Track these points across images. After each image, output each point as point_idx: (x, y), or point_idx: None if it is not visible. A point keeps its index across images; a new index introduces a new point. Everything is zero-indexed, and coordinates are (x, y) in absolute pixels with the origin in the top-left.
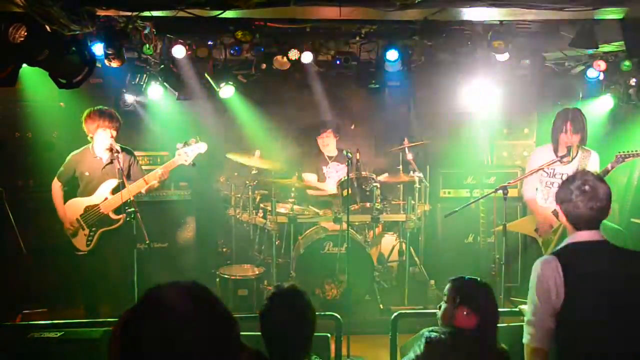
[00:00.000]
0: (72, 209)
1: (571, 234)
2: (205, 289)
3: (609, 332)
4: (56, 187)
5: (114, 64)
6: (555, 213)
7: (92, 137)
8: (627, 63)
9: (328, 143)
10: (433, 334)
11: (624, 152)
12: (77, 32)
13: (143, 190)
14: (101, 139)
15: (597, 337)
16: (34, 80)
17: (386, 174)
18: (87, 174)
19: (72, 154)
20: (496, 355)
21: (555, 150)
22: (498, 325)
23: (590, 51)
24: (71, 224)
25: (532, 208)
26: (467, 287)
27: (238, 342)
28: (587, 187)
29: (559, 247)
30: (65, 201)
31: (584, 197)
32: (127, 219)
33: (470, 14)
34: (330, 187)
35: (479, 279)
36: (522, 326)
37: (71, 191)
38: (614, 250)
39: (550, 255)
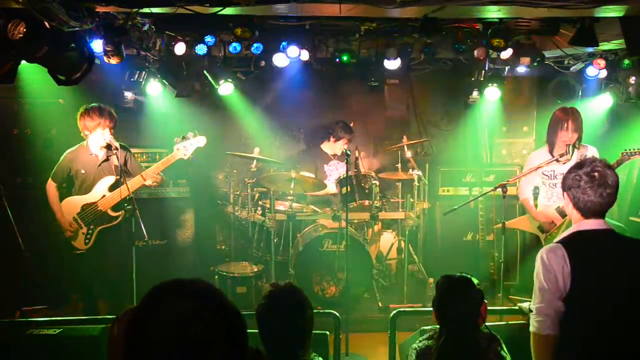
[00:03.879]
0: (68, 208)
1: (576, 223)
2: (210, 285)
3: (614, 321)
4: (51, 188)
5: (113, 60)
6: (558, 210)
7: (87, 135)
8: (627, 61)
9: (341, 147)
10: (420, 344)
11: (629, 149)
12: (76, 29)
13: (148, 184)
14: (99, 137)
15: (602, 326)
16: (32, 76)
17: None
18: (83, 171)
19: (67, 152)
20: (483, 338)
21: (551, 151)
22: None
23: (590, 49)
24: (69, 224)
25: (528, 209)
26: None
27: (245, 337)
28: (596, 174)
29: (564, 236)
30: (61, 200)
31: (593, 184)
32: (126, 216)
33: (470, 11)
34: (330, 185)
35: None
36: (521, 324)
37: (67, 190)
38: (620, 239)
39: (555, 244)
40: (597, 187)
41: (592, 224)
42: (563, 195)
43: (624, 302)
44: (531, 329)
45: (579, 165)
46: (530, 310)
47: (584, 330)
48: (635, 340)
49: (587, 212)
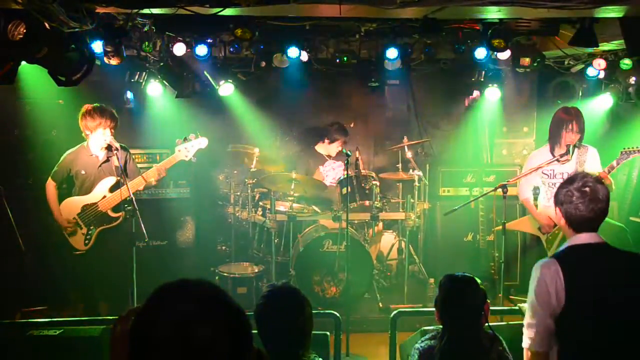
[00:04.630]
0: (68, 208)
1: (570, 237)
2: (216, 285)
3: (609, 335)
4: (50, 187)
5: (113, 61)
6: None
7: (88, 135)
8: (626, 61)
9: (335, 149)
10: (422, 344)
11: (628, 148)
12: (77, 30)
13: (140, 188)
14: (99, 137)
15: (597, 340)
16: (32, 77)
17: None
18: (83, 172)
19: (67, 152)
20: (486, 338)
21: (552, 150)
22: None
23: (590, 50)
24: (68, 224)
25: (529, 209)
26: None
27: (251, 338)
28: (587, 189)
29: (559, 250)
30: (60, 201)
31: (584, 199)
32: (127, 216)
33: (470, 12)
34: (327, 180)
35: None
36: (520, 324)
37: (67, 190)
38: (614, 252)
39: (550, 259)
40: (589, 203)
41: (585, 238)
42: (555, 209)
43: (618, 315)
44: (524, 344)
45: (570, 181)
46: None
47: (580, 343)
48: (632, 352)
49: (579, 226)
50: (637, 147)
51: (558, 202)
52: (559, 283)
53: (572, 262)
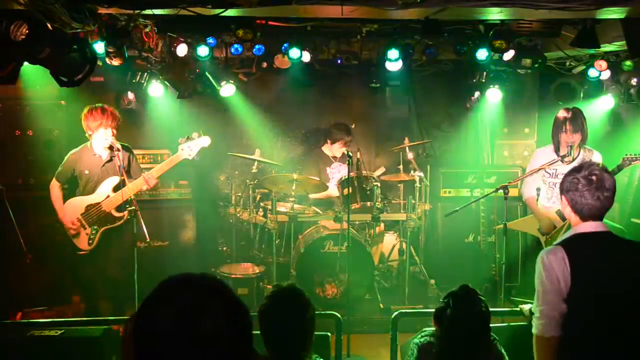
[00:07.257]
0: (72, 208)
1: (575, 226)
2: (220, 281)
3: (612, 322)
4: (55, 187)
5: (115, 62)
6: (559, 213)
7: (90, 135)
8: (628, 63)
9: (338, 150)
10: (422, 339)
11: (630, 155)
12: (79, 30)
13: (144, 188)
14: (101, 137)
15: (601, 327)
16: (35, 78)
17: (382, 168)
18: (86, 172)
19: (71, 152)
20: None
21: (557, 151)
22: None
23: (592, 51)
24: (72, 224)
25: (532, 208)
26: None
27: (251, 334)
28: (593, 177)
29: (563, 238)
30: (64, 201)
31: (590, 187)
32: (128, 217)
33: (471, 13)
34: (331, 187)
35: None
36: (522, 325)
37: (71, 190)
38: (618, 241)
39: (555, 246)
40: (595, 191)
41: (590, 226)
42: (561, 198)
43: (622, 303)
44: (534, 331)
45: (576, 169)
46: (532, 313)
47: (583, 330)
48: (634, 341)
49: (585, 215)
50: (638, 155)
51: (564, 189)
52: (566, 269)
53: (577, 250)
